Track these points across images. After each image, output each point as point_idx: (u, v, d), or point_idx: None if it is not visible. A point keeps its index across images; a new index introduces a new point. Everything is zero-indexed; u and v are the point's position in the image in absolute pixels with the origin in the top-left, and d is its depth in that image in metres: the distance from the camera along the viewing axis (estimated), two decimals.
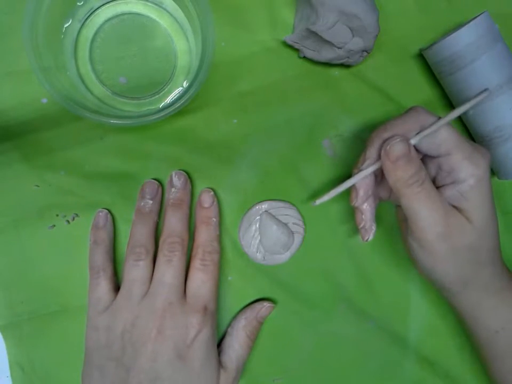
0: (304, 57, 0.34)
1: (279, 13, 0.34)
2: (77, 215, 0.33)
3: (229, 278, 0.35)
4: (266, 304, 0.34)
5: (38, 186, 0.32)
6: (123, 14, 0.31)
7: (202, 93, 0.33)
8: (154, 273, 0.30)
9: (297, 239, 0.35)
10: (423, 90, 0.36)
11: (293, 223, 0.35)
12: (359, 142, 0.35)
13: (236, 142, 0.34)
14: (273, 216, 0.34)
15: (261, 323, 0.34)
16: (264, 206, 0.34)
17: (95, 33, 0.31)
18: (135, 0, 0.31)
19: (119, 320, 0.29)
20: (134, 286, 0.30)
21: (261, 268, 0.35)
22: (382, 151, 0.27)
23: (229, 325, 0.34)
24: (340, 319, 0.36)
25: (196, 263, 0.31)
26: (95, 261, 0.31)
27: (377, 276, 0.36)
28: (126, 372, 0.28)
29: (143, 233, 0.31)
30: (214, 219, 0.33)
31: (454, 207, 0.27)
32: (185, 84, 0.32)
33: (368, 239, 0.30)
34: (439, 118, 0.27)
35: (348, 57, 0.33)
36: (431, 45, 0.34)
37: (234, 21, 0.33)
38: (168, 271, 0.30)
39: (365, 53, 0.33)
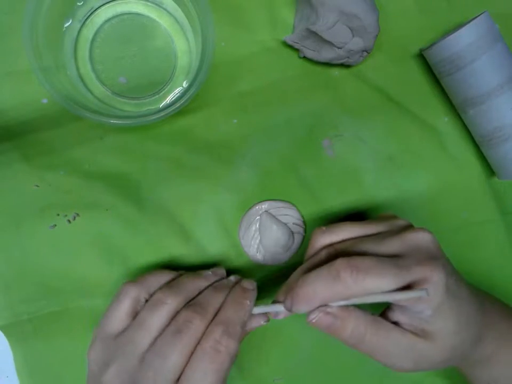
0: (304, 57, 0.34)
1: (279, 13, 0.34)
2: (77, 214, 0.33)
3: (229, 278, 0.35)
4: (263, 322, 0.29)
5: (38, 186, 0.32)
6: (123, 14, 0.31)
7: (202, 93, 0.33)
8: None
9: (297, 239, 0.35)
10: (423, 90, 0.36)
11: (293, 223, 0.35)
12: (359, 142, 0.35)
13: (236, 142, 0.34)
14: (273, 216, 0.34)
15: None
16: (264, 206, 0.34)
17: (95, 33, 0.31)
18: (135, 0, 0.31)
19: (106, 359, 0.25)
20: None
21: (261, 267, 0.35)
22: (309, 322, 0.25)
23: None
24: None
25: (205, 344, 0.24)
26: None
27: None
28: None
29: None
30: (249, 302, 0.27)
31: (418, 328, 0.25)
32: (185, 84, 0.32)
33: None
34: (373, 290, 0.23)
35: (348, 57, 0.33)
36: (431, 45, 0.34)
37: (234, 21, 0.33)
38: (172, 343, 0.24)
39: (365, 53, 0.33)
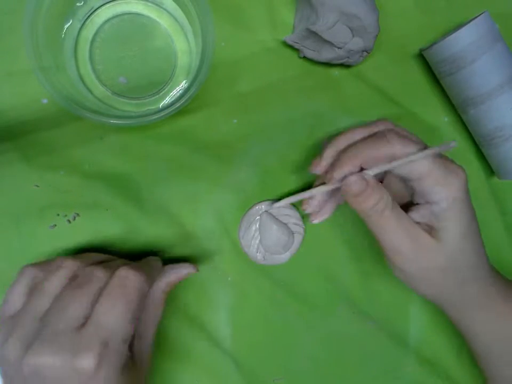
0: (304, 57, 0.34)
1: (279, 13, 0.34)
2: (77, 214, 0.33)
3: (229, 278, 0.35)
4: (191, 269, 0.30)
5: (38, 186, 0.32)
6: (123, 14, 0.31)
7: (202, 93, 0.33)
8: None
9: (297, 239, 0.35)
10: (423, 90, 0.36)
11: (293, 223, 0.35)
12: None
13: (236, 142, 0.34)
14: (273, 216, 0.34)
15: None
16: (264, 206, 0.34)
17: (95, 33, 0.31)
18: (135, 0, 0.31)
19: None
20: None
21: (261, 267, 0.35)
22: (342, 186, 0.27)
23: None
24: (340, 319, 0.36)
25: (112, 283, 0.25)
26: None
27: (377, 275, 0.36)
28: None
29: None
30: (153, 262, 0.30)
31: (429, 225, 0.27)
32: (185, 84, 0.32)
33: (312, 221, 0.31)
34: (413, 150, 0.26)
35: (348, 57, 0.33)
36: (432, 45, 0.34)
37: (234, 21, 0.33)
38: (72, 295, 0.24)
39: (365, 53, 0.33)
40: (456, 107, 0.35)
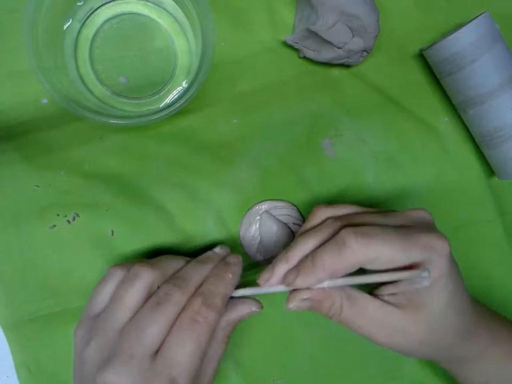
0: (304, 57, 0.34)
1: (279, 13, 0.34)
2: (77, 214, 0.33)
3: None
4: (254, 308, 0.28)
5: (38, 186, 0.32)
6: (123, 14, 0.31)
7: (202, 93, 0.33)
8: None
9: None
10: (423, 90, 0.36)
11: (293, 223, 0.35)
12: (359, 142, 0.35)
13: (236, 142, 0.34)
14: (273, 216, 0.34)
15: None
16: (264, 206, 0.34)
17: (95, 33, 0.31)
18: (135, 0, 0.31)
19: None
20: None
21: (261, 268, 0.35)
22: (289, 309, 0.26)
23: None
24: None
25: (184, 315, 0.24)
26: None
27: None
28: None
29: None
30: (231, 276, 0.28)
31: (407, 299, 0.25)
32: (185, 84, 0.32)
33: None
34: (374, 256, 0.24)
35: (348, 57, 0.33)
36: (432, 44, 0.34)
37: (234, 21, 0.33)
38: (150, 316, 0.24)
39: (365, 53, 0.33)
40: (456, 107, 0.35)
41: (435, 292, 0.25)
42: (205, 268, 0.28)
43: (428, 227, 0.26)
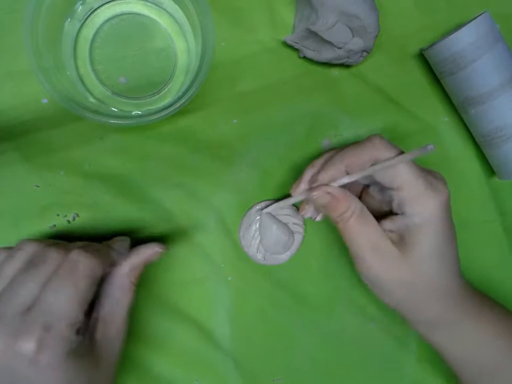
0: (304, 57, 0.34)
1: (279, 13, 0.34)
2: (77, 214, 0.33)
3: (229, 278, 0.35)
4: (157, 248, 0.28)
5: (38, 186, 0.32)
6: (123, 14, 0.31)
7: (202, 93, 0.33)
8: None
9: (297, 239, 0.35)
10: (423, 90, 0.36)
11: (293, 223, 0.35)
12: None
13: (236, 142, 0.34)
14: (273, 216, 0.34)
15: (145, 266, 0.29)
16: (264, 206, 0.34)
17: (95, 33, 0.31)
18: (135, 0, 0.31)
19: None
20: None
21: (261, 267, 0.35)
22: (309, 198, 0.28)
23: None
24: (340, 319, 0.36)
25: (62, 268, 0.25)
26: None
27: None
28: None
29: None
30: (118, 242, 0.29)
31: (401, 237, 0.27)
32: (185, 84, 0.32)
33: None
34: (395, 155, 0.26)
35: (348, 57, 0.33)
36: (432, 44, 0.34)
37: (234, 21, 0.33)
38: (23, 277, 0.24)
39: (365, 53, 0.33)
40: (457, 107, 0.35)
41: (423, 233, 0.26)
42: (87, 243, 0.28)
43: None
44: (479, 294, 0.30)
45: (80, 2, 0.30)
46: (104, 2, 0.31)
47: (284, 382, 0.35)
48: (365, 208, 0.27)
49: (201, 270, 0.34)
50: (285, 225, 0.34)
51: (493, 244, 0.37)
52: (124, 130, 0.33)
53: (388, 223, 0.27)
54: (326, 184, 0.27)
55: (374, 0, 0.31)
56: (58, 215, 0.33)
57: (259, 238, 0.34)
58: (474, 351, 0.29)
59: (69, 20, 0.30)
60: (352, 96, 0.35)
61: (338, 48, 0.32)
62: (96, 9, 0.31)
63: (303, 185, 0.29)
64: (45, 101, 0.32)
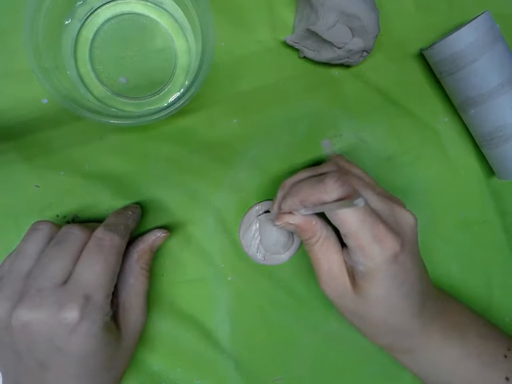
0: (304, 57, 0.34)
1: (279, 13, 0.34)
2: (76, 215, 0.33)
3: (229, 278, 0.35)
4: (159, 233, 0.31)
5: (38, 186, 0.32)
6: (123, 14, 0.31)
7: (202, 93, 0.33)
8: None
9: (297, 239, 0.35)
10: (423, 90, 0.36)
11: None
12: (359, 142, 0.35)
13: (236, 142, 0.34)
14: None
15: (154, 252, 0.31)
16: (264, 206, 0.34)
17: (95, 33, 0.31)
18: (135, 0, 0.31)
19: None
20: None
21: (261, 268, 0.35)
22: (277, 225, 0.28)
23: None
24: (339, 319, 0.36)
25: (90, 244, 0.26)
26: None
27: None
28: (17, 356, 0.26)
29: None
30: (130, 212, 0.30)
31: (353, 273, 0.27)
32: (185, 84, 0.32)
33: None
34: (334, 200, 0.25)
35: (348, 57, 0.33)
36: (432, 44, 0.34)
37: (234, 21, 0.33)
38: (52, 254, 0.26)
39: (365, 53, 0.33)
40: (457, 107, 0.35)
41: (368, 281, 0.26)
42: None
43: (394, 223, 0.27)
44: (441, 317, 0.30)
45: (80, 2, 0.30)
46: (104, 2, 0.31)
47: (283, 382, 0.35)
48: (333, 238, 0.28)
49: (201, 270, 0.34)
50: None
51: (493, 244, 0.37)
52: (124, 130, 0.33)
53: (346, 255, 0.27)
54: (290, 213, 0.27)
55: (374, 0, 0.31)
56: (58, 215, 0.33)
57: (259, 238, 0.34)
58: (436, 374, 0.30)
59: (69, 20, 0.30)
60: (352, 96, 0.35)
61: (338, 48, 0.32)
62: (96, 9, 0.31)
63: (275, 205, 0.30)
64: (45, 101, 0.32)
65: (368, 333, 0.29)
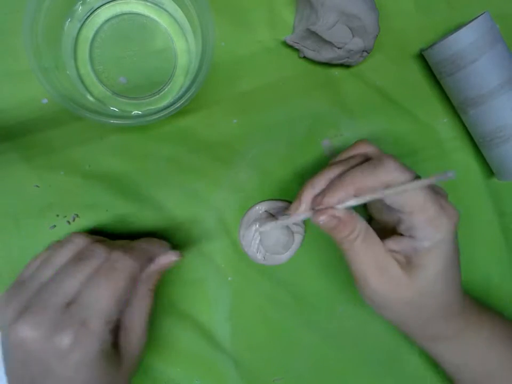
0: (304, 57, 0.34)
1: (279, 13, 0.34)
2: (77, 215, 0.33)
3: (229, 278, 0.35)
4: (173, 258, 0.28)
5: (38, 186, 0.32)
6: (123, 14, 0.31)
7: (202, 93, 0.33)
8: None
9: (297, 239, 0.35)
10: (423, 90, 0.36)
11: (293, 223, 0.35)
12: None
13: (236, 142, 0.34)
14: (273, 216, 0.34)
15: (163, 274, 0.29)
16: (264, 206, 0.34)
17: (95, 33, 0.31)
18: (135, 0, 0.31)
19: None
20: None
21: (261, 268, 0.35)
22: (313, 220, 0.26)
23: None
24: (340, 319, 0.36)
25: (104, 266, 0.26)
26: None
27: None
28: None
29: None
30: (156, 240, 0.30)
31: (406, 258, 0.26)
32: (185, 84, 0.32)
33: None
34: (410, 180, 0.24)
35: (348, 57, 0.33)
36: (432, 45, 0.34)
37: (234, 21, 0.33)
38: (69, 270, 0.25)
39: (365, 53, 0.33)
40: (456, 107, 0.35)
41: (432, 256, 0.25)
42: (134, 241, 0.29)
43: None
44: (477, 304, 0.31)
45: (80, 2, 0.30)
46: (104, 2, 0.31)
47: (283, 382, 0.35)
48: (370, 229, 0.26)
49: (201, 270, 0.34)
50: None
51: (492, 245, 0.37)
52: (124, 130, 0.33)
53: (392, 244, 0.26)
54: (331, 207, 0.25)
55: (374, 0, 0.31)
56: (58, 215, 0.32)
57: (259, 238, 0.34)
58: (471, 360, 0.30)
59: (69, 20, 0.30)
60: (352, 96, 0.35)
61: (338, 48, 0.32)
62: (96, 9, 0.31)
63: (304, 206, 0.26)
64: (45, 101, 0.32)
65: (418, 325, 0.29)
